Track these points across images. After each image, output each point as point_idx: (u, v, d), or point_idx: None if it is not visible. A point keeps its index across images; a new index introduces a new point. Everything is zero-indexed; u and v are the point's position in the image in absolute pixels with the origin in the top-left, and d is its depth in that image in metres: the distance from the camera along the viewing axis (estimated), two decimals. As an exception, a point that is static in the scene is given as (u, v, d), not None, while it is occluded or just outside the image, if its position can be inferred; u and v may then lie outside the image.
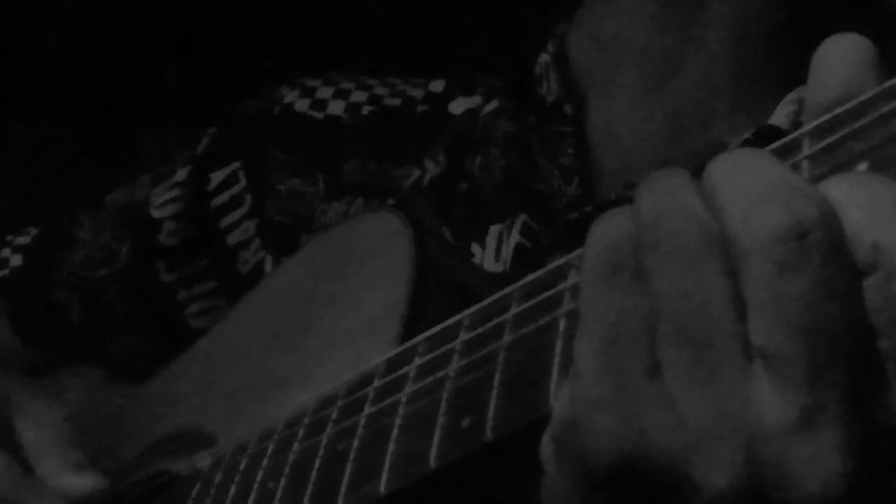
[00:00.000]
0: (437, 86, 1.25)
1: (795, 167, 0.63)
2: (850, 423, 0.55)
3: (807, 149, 0.64)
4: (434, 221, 1.12)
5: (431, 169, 1.16)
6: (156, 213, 1.27)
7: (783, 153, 0.65)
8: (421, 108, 1.23)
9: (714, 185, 0.59)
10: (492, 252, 1.09)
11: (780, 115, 1.02)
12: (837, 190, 0.58)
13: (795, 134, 0.65)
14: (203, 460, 0.98)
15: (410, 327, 0.89)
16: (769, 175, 0.58)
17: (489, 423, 0.71)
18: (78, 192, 1.43)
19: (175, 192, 1.27)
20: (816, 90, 0.64)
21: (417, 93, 1.25)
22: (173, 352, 1.18)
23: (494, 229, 1.10)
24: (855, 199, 0.57)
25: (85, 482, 0.91)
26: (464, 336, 0.78)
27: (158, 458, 1.05)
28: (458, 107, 1.22)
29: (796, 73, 1.06)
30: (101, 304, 1.29)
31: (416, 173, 1.18)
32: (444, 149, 1.17)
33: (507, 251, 1.08)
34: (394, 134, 1.22)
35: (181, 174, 1.28)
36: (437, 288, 0.93)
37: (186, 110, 1.43)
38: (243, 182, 1.26)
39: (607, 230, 0.62)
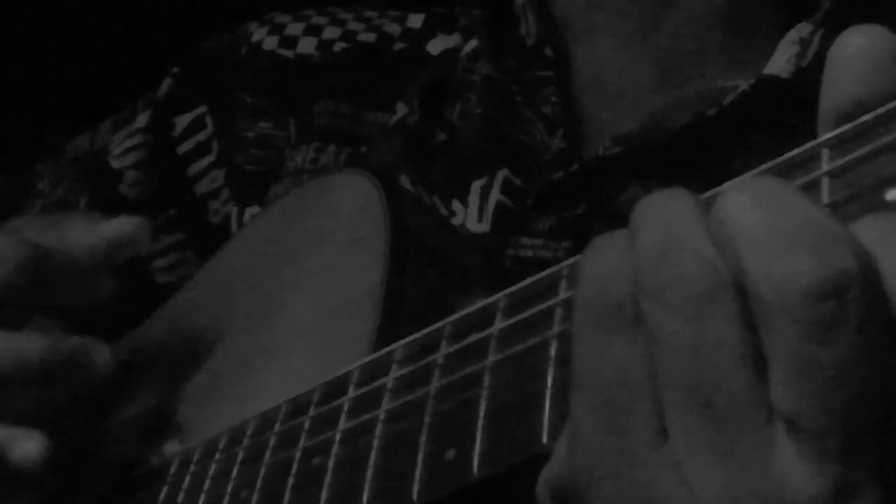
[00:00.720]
0: (416, 20, 1.17)
1: (813, 185, 0.56)
2: (891, 495, 0.49)
3: (825, 163, 0.56)
4: (407, 166, 1.04)
5: (401, 110, 1.08)
6: (116, 164, 1.19)
7: (797, 165, 0.57)
8: (398, 45, 1.15)
9: (727, 222, 0.51)
10: (475, 210, 1.01)
11: (780, 61, 0.95)
12: (872, 233, 0.50)
13: (813, 144, 0.57)
14: (171, 449, 0.92)
15: (388, 309, 0.83)
16: (794, 212, 0.50)
17: (476, 459, 0.65)
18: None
19: (136, 140, 1.20)
20: (831, 93, 0.56)
21: (394, 28, 1.17)
22: (139, 308, 1.11)
23: (476, 185, 1.02)
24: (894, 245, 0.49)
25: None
26: (445, 348, 0.71)
27: (125, 443, 0.99)
28: (436, 46, 1.14)
29: (795, 9, 0.98)
30: None
31: (385, 117, 1.10)
32: (417, 92, 1.08)
33: (488, 210, 1.00)
34: (368, 74, 1.14)
35: (142, 119, 1.20)
36: (416, 262, 0.86)
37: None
38: (210, 128, 1.18)
39: (601, 268, 0.55)
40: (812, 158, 0.56)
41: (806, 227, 0.49)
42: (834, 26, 0.94)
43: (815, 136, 0.56)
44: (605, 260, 0.55)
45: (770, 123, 0.92)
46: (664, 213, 0.54)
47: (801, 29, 0.95)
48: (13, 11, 1.89)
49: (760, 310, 0.49)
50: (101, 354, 0.92)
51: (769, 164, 0.58)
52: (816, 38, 0.94)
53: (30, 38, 1.94)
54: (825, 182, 0.55)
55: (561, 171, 0.97)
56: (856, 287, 0.48)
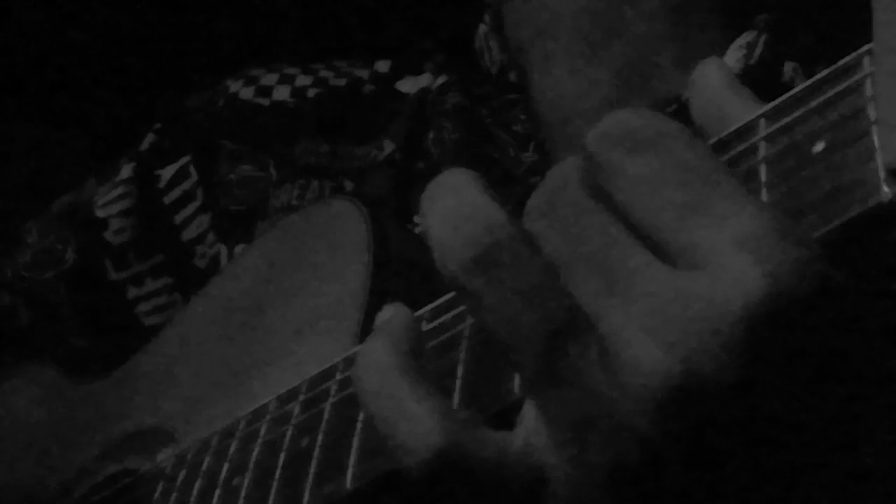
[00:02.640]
0: (383, 66, 1.24)
1: (752, 149, 0.64)
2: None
3: (763, 130, 0.64)
4: (392, 198, 1.11)
5: (388, 147, 1.15)
6: (100, 213, 1.25)
7: (739, 136, 0.65)
8: (368, 87, 1.22)
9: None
10: None
11: (730, 61, 1.00)
12: None
13: (752, 117, 0.65)
14: (166, 458, 0.97)
15: (372, 314, 0.89)
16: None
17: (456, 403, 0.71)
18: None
19: (120, 190, 1.25)
20: (694, 110, 0.72)
21: (363, 73, 1.24)
22: (126, 350, 1.17)
23: None
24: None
25: None
26: (427, 326, 0.77)
27: (118, 458, 1.04)
28: (406, 85, 1.21)
29: (740, 19, 1.06)
30: (48, 305, 1.27)
31: (374, 153, 1.17)
32: (404, 129, 1.16)
33: None
34: (342, 113, 1.21)
35: (125, 171, 1.26)
36: (398, 272, 0.93)
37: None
38: (194, 176, 1.24)
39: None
40: (752, 129, 0.65)
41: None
42: (777, 31, 1.01)
43: None
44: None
45: None
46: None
47: (747, 36, 1.02)
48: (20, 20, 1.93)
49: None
50: None
51: (716, 137, 0.67)
52: (761, 41, 1.01)
53: (33, 43, 1.97)
54: (762, 145, 0.64)
55: (538, 176, 1.02)
56: None
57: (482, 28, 1.14)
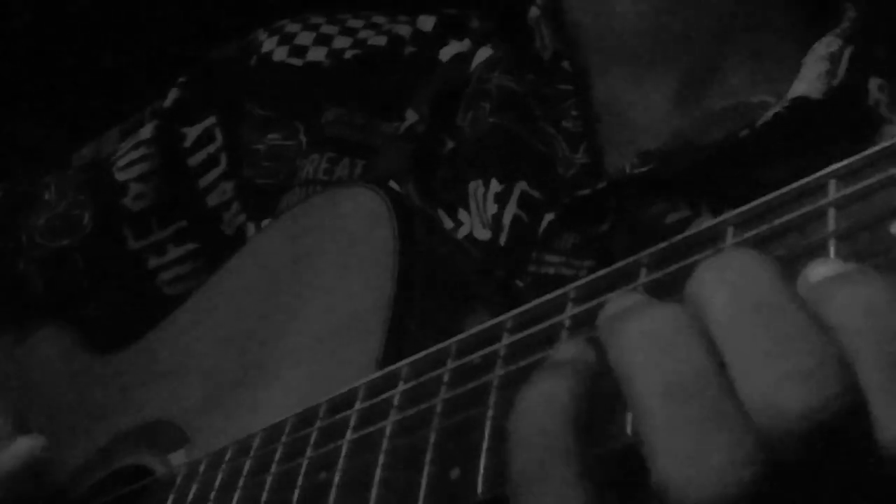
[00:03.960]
0: (427, 23, 1.15)
1: (819, 214, 0.57)
2: None
3: (832, 192, 0.57)
4: (409, 176, 1.04)
5: (411, 118, 1.08)
6: (120, 175, 1.19)
7: (805, 194, 0.58)
8: (409, 49, 1.14)
9: (710, 321, 0.53)
10: (477, 215, 1.01)
11: (809, 77, 0.93)
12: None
13: (820, 174, 0.58)
14: (177, 466, 0.92)
15: (395, 328, 0.83)
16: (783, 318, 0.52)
17: (480, 480, 0.65)
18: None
19: (141, 151, 1.19)
20: None
21: (405, 30, 1.15)
22: (144, 321, 1.11)
23: (472, 186, 1.02)
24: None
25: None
26: (451, 364, 0.71)
27: (128, 451, 1.00)
28: (448, 53, 1.12)
29: (815, 21, 0.98)
30: (63, 274, 1.22)
31: (395, 125, 1.10)
32: (428, 100, 1.08)
33: (504, 223, 1.00)
34: (378, 80, 1.13)
35: (147, 130, 1.20)
36: (424, 281, 0.87)
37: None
38: (219, 140, 1.18)
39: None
40: (820, 188, 0.57)
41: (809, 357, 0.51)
42: (863, 42, 0.94)
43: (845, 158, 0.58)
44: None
45: (801, 145, 0.91)
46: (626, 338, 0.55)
47: (830, 43, 0.94)
48: (22, 19, 1.89)
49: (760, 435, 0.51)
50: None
51: (777, 192, 0.59)
52: (846, 55, 0.93)
53: (36, 43, 1.94)
54: (831, 212, 0.56)
55: (587, 187, 0.96)
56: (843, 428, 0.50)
57: (534, 11, 1.05)
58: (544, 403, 0.56)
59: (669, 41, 0.98)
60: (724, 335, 0.52)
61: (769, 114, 0.92)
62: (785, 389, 0.50)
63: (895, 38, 0.95)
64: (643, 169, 0.94)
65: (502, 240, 0.99)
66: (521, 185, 1.00)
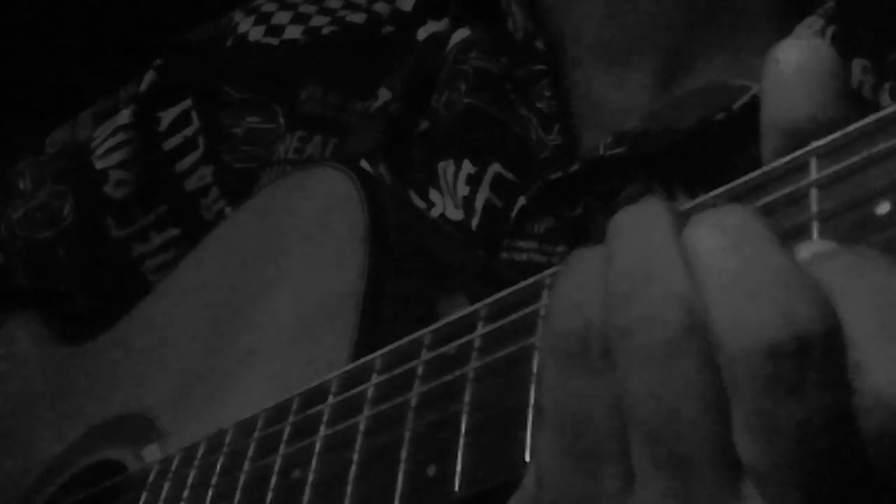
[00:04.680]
0: (407, 3, 1.13)
1: (801, 195, 0.54)
2: None
3: (814, 172, 0.54)
4: (382, 157, 1.02)
5: (384, 96, 1.06)
6: (99, 164, 1.17)
7: (786, 174, 0.55)
8: (387, 28, 1.11)
9: (697, 258, 0.50)
10: (449, 196, 0.99)
11: None
12: (838, 281, 0.48)
13: (801, 152, 0.55)
14: (150, 463, 0.89)
15: (368, 312, 0.81)
16: (764, 261, 0.48)
17: (457, 478, 0.63)
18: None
19: (119, 137, 1.17)
20: (773, 113, 0.55)
21: (384, 9, 1.13)
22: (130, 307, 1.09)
23: (442, 166, 1.00)
24: (853, 299, 0.47)
25: None
26: (425, 356, 0.69)
27: (100, 445, 0.98)
28: (425, 33, 1.10)
29: (797, 1, 0.96)
30: (47, 267, 1.19)
31: (368, 103, 1.07)
32: (403, 79, 1.06)
33: (476, 206, 0.98)
34: (355, 58, 1.11)
35: (124, 115, 1.17)
36: (397, 264, 0.84)
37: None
38: (196, 123, 1.15)
39: (571, 295, 0.52)
40: (801, 168, 0.55)
41: (775, 278, 0.48)
42: (845, 23, 0.92)
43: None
44: (576, 285, 0.53)
45: None
46: (641, 232, 0.52)
47: (812, 24, 0.92)
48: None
49: (723, 359, 0.48)
50: None
51: (757, 172, 0.56)
52: (828, 35, 0.91)
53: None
54: (813, 193, 0.53)
55: (559, 170, 0.94)
56: (817, 348, 0.47)
57: None
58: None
59: (645, 28, 0.97)
60: None
61: (747, 96, 0.91)
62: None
63: (879, 18, 0.92)
64: (618, 150, 0.92)
65: (474, 224, 0.97)
66: (495, 167, 0.98)
